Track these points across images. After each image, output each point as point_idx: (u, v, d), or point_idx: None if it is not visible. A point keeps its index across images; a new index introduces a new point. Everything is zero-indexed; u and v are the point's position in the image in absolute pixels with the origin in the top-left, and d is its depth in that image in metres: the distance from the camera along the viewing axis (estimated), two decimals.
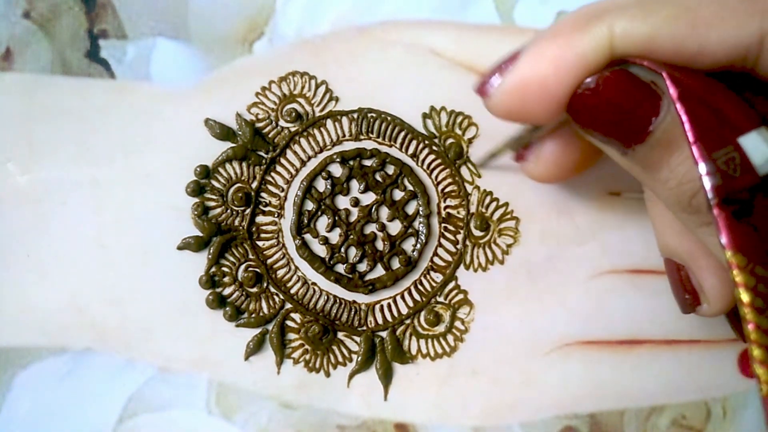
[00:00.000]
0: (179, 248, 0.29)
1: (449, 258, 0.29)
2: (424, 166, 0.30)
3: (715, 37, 0.18)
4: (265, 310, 0.29)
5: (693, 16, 0.18)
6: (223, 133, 0.29)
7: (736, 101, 0.18)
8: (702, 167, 0.17)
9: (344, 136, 0.30)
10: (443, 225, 0.29)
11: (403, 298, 0.29)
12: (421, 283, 0.29)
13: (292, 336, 0.29)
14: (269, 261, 0.29)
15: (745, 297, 0.17)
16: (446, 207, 0.29)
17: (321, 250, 0.29)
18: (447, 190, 0.29)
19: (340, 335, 0.29)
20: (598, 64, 0.20)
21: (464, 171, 0.30)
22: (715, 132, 0.17)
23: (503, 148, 0.27)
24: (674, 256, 0.24)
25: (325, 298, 0.29)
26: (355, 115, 0.29)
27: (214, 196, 0.29)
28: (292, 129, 0.29)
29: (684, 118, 0.17)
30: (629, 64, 0.19)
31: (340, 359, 0.29)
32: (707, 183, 0.17)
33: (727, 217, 0.17)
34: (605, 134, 0.20)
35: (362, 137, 0.29)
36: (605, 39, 0.19)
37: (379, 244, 0.29)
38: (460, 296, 0.29)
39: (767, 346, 0.17)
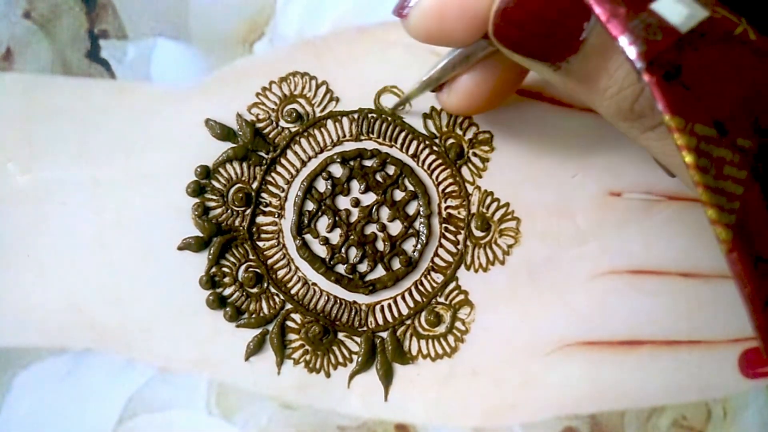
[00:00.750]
0: (179, 248, 0.29)
1: (450, 258, 0.29)
2: (425, 167, 0.30)
3: None
4: (266, 310, 0.29)
5: None
6: (224, 133, 0.29)
7: None
8: (621, 39, 0.17)
9: (345, 136, 0.29)
10: (444, 225, 0.29)
11: (403, 298, 0.29)
12: (422, 284, 0.29)
13: (292, 336, 0.29)
14: (270, 261, 0.29)
15: (688, 158, 0.16)
16: (447, 207, 0.29)
17: (321, 251, 0.29)
18: (448, 190, 0.29)
19: (341, 336, 0.29)
20: None
21: (465, 171, 0.29)
22: (627, 3, 0.17)
23: (418, 90, 0.27)
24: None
25: (326, 298, 0.29)
26: (356, 116, 0.29)
27: (214, 197, 0.29)
28: (293, 129, 0.29)
29: (593, 4, 0.17)
30: None
31: (341, 360, 0.29)
32: (631, 53, 0.17)
33: (658, 80, 0.17)
34: (535, 51, 0.20)
35: (363, 137, 0.29)
36: None
37: (380, 245, 0.29)
38: (461, 297, 0.29)
39: (718, 204, 0.17)
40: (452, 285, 0.29)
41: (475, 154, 0.30)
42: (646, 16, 0.17)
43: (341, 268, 0.29)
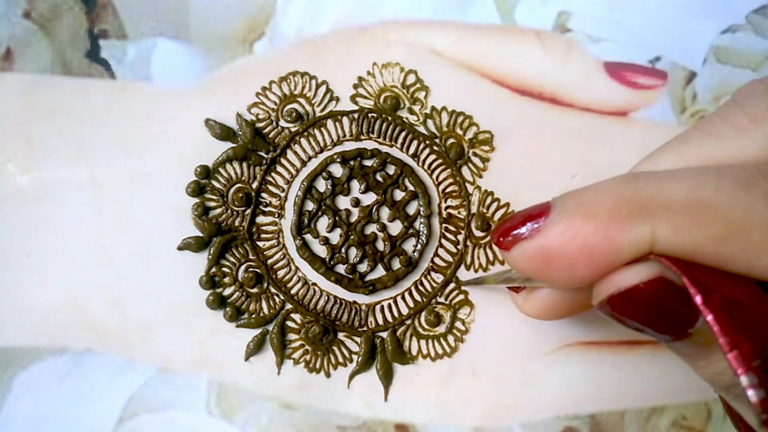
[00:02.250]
0: (179, 248, 0.29)
1: (450, 258, 0.29)
2: (425, 167, 0.29)
3: (765, 264, 0.17)
4: (266, 310, 0.29)
5: (743, 240, 0.17)
6: (224, 133, 0.29)
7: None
8: (743, 380, 0.16)
9: (345, 136, 0.29)
10: (444, 225, 0.29)
11: (403, 298, 0.29)
12: (422, 284, 0.29)
13: (292, 336, 0.29)
14: (269, 261, 0.29)
15: None
16: (447, 207, 0.29)
17: (321, 251, 0.29)
18: (448, 190, 0.29)
19: (341, 336, 0.29)
20: (631, 259, 0.18)
21: (465, 171, 0.29)
22: (753, 337, 0.16)
23: (496, 281, 0.26)
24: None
25: (326, 298, 0.29)
26: (356, 115, 0.29)
27: (214, 197, 0.29)
28: (293, 129, 0.29)
29: (714, 327, 0.16)
30: (657, 262, 0.18)
31: (341, 360, 0.29)
32: (752, 397, 0.16)
33: None
34: (636, 328, 0.19)
35: (363, 137, 0.29)
36: (646, 242, 0.18)
37: (380, 245, 0.29)
38: (461, 297, 0.29)
39: None
40: (452, 285, 0.29)
41: (475, 154, 0.30)
42: None
43: (341, 268, 0.29)
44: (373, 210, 0.29)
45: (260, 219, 0.29)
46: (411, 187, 0.29)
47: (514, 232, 0.20)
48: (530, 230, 0.20)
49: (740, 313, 0.17)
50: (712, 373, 0.19)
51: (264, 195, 0.29)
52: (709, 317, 0.16)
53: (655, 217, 0.18)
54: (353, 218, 0.29)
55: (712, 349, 0.18)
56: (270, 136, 0.29)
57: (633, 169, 0.22)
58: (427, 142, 0.29)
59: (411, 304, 0.29)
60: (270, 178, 0.29)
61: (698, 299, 0.17)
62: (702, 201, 0.18)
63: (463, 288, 0.29)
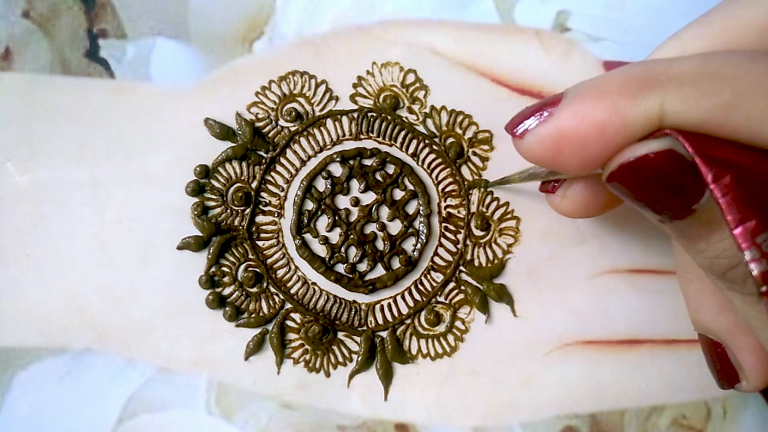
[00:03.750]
0: (179, 248, 0.29)
1: (450, 258, 0.29)
2: (425, 166, 0.29)
3: None
4: (265, 310, 0.29)
5: (750, 106, 0.17)
6: (223, 132, 0.29)
7: None
8: (747, 254, 0.16)
9: (344, 135, 0.29)
10: (444, 224, 0.29)
11: (403, 297, 0.29)
12: (422, 283, 0.29)
13: (292, 336, 0.29)
14: (269, 261, 0.29)
15: None
16: (447, 206, 0.29)
17: (321, 250, 0.29)
18: (447, 189, 0.29)
19: (340, 335, 0.29)
20: (642, 134, 0.19)
21: (465, 170, 0.29)
22: (760, 213, 0.16)
23: (521, 179, 0.26)
24: (711, 333, 0.24)
25: (325, 298, 0.29)
26: (355, 115, 0.29)
27: (213, 196, 0.29)
28: (292, 128, 0.29)
29: (722, 203, 0.17)
30: (669, 136, 0.18)
31: (340, 359, 0.29)
32: (754, 270, 0.16)
33: None
34: (644, 204, 0.19)
35: (362, 137, 0.29)
36: (655, 115, 0.18)
37: (380, 244, 0.29)
38: (461, 296, 0.29)
39: None
40: (452, 284, 0.29)
41: (474, 153, 0.30)
42: None
43: (341, 268, 0.29)
44: (373, 209, 0.29)
45: (260, 218, 0.29)
46: (410, 187, 0.29)
47: (528, 121, 0.21)
48: (541, 117, 0.20)
49: (748, 189, 0.17)
50: (710, 257, 0.19)
51: (263, 194, 0.29)
52: (717, 193, 0.17)
53: (663, 89, 0.18)
54: (353, 217, 0.29)
55: (713, 228, 0.18)
56: (269, 135, 0.29)
57: (665, 42, 0.22)
58: (427, 141, 0.29)
59: (411, 304, 0.29)
60: (269, 178, 0.29)
61: (707, 174, 0.17)
62: (710, 71, 0.18)
63: (489, 189, 0.29)
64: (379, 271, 0.29)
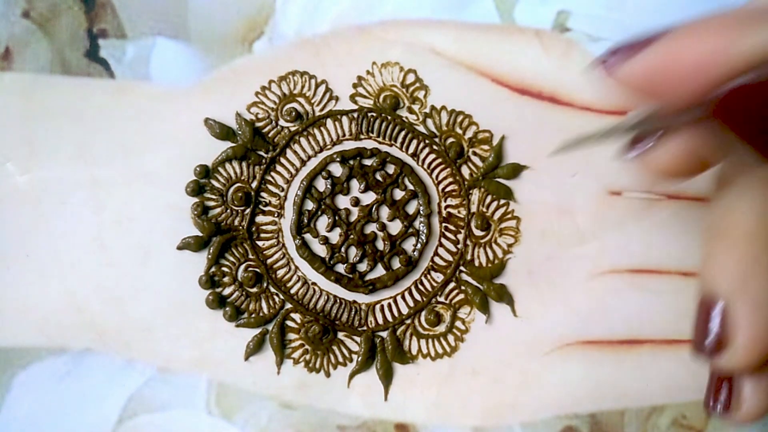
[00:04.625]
0: (179, 248, 0.29)
1: (450, 258, 0.29)
2: (425, 166, 0.29)
3: None
4: (265, 310, 0.29)
5: None
6: (223, 132, 0.29)
7: None
8: None
9: (344, 135, 0.29)
10: (444, 224, 0.29)
11: (403, 297, 0.29)
12: (422, 283, 0.29)
13: (292, 336, 0.29)
14: (269, 261, 0.29)
15: None
16: (447, 206, 0.29)
17: (321, 250, 0.29)
18: (447, 189, 0.29)
19: (341, 335, 0.29)
20: (754, 66, 0.17)
21: (465, 170, 0.29)
22: None
23: (594, 139, 0.22)
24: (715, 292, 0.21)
25: (326, 298, 0.29)
26: (355, 115, 0.29)
27: (213, 196, 0.29)
28: (292, 128, 0.29)
29: None
30: None
31: (341, 359, 0.29)
32: None
33: None
34: (753, 140, 0.18)
35: (362, 136, 0.29)
36: (764, 49, 0.17)
37: (380, 244, 0.29)
38: (461, 296, 0.29)
39: None
40: (452, 284, 0.29)
41: (475, 153, 0.30)
42: None
43: (341, 268, 0.29)
44: (373, 209, 0.29)
45: (260, 218, 0.29)
46: (411, 187, 0.29)
47: (627, 48, 0.19)
48: (637, 48, 0.19)
49: None
50: None
51: (263, 194, 0.29)
52: None
53: None
54: (353, 217, 0.29)
55: None
56: (269, 135, 0.29)
57: None
58: (427, 141, 0.29)
59: (411, 304, 0.29)
60: (269, 178, 0.29)
61: None
62: None
63: (558, 153, 0.24)
64: (379, 271, 0.29)
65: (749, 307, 0.20)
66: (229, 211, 0.29)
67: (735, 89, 0.18)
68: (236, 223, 0.29)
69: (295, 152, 0.29)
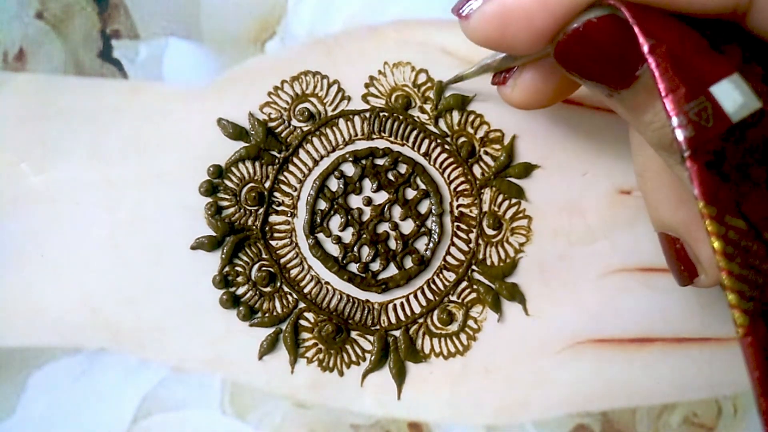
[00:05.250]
0: (192, 248, 0.29)
1: (462, 257, 0.29)
2: (437, 165, 0.30)
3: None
4: (279, 309, 0.29)
5: None
6: (236, 132, 0.29)
7: (711, 51, 0.18)
8: (674, 120, 0.17)
9: (356, 135, 0.30)
10: (456, 224, 0.29)
11: (416, 297, 0.29)
12: (434, 282, 0.29)
13: (305, 335, 0.29)
14: (282, 260, 0.29)
15: (716, 245, 0.17)
16: (459, 206, 0.30)
17: (334, 250, 0.29)
18: (459, 188, 0.30)
19: (354, 334, 0.29)
20: (586, 5, 0.19)
21: (476, 169, 0.30)
22: (688, 83, 0.17)
23: (474, 72, 0.26)
24: (669, 229, 0.24)
25: (338, 297, 0.29)
26: (368, 114, 0.29)
27: (227, 196, 0.29)
28: (305, 128, 0.29)
29: (656, 72, 0.18)
30: (611, 6, 0.19)
31: (354, 358, 0.29)
32: (679, 135, 0.17)
33: (699, 168, 0.17)
34: (592, 76, 0.20)
35: (374, 136, 0.30)
36: None
37: (392, 243, 0.29)
38: (473, 295, 0.29)
39: (739, 291, 0.17)
40: (464, 283, 0.29)
41: (486, 153, 0.30)
42: (702, 100, 0.17)
43: (354, 267, 0.29)
44: (385, 209, 0.29)
45: (273, 218, 0.29)
46: (422, 186, 0.29)
47: (472, 1, 0.21)
48: None
49: (678, 60, 0.18)
50: (657, 128, 0.19)
51: (276, 194, 0.29)
52: (653, 61, 0.18)
53: None
54: (365, 217, 0.29)
55: (656, 94, 0.19)
56: (282, 135, 0.29)
57: None
58: (439, 140, 0.30)
59: (423, 303, 0.29)
60: (282, 178, 0.29)
61: (644, 43, 0.18)
62: None
63: (445, 86, 0.29)
64: (392, 270, 0.29)
65: (698, 237, 0.23)
66: (242, 210, 0.29)
67: (569, 34, 0.19)
68: (249, 222, 0.29)
69: (307, 152, 0.30)
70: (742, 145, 0.18)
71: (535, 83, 0.24)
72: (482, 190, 0.30)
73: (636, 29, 0.18)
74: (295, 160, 0.29)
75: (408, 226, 0.29)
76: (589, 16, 0.19)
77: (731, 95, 0.17)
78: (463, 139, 0.30)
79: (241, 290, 0.29)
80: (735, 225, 0.17)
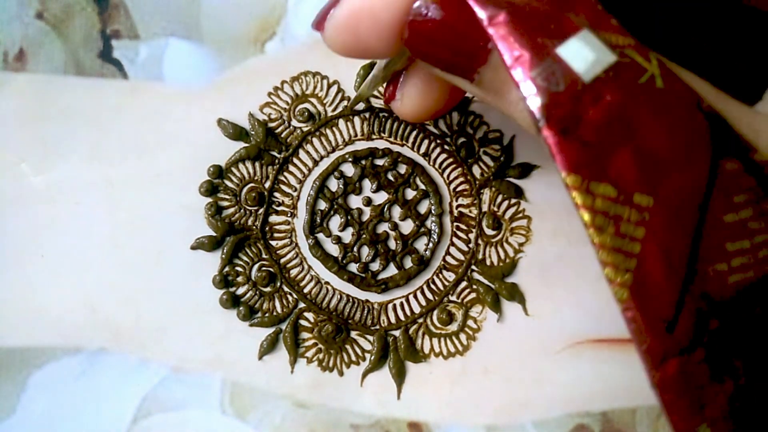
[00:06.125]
0: (193, 248, 0.29)
1: (462, 257, 0.29)
2: (436, 165, 0.30)
3: None
4: (279, 309, 0.29)
5: None
6: (236, 133, 0.29)
7: (557, 12, 0.17)
8: (522, 89, 0.16)
9: (356, 135, 0.30)
10: (455, 224, 0.29)
11: (415, 297, 0.29)
12: (434, 282, 0.29)
13: (305, 335, 0.29)
14: (282, 260, 0.29)
15: (585, 217, 0.16)
16: (458, 206, 0.30)
17: (334, 250, 0.29)
18: (459, 189, 0.30)
19: (354, 334, 0.29)
20: None
21: (476, 170, 0.30)
22: (532, 48, 0.16)
23: (364, 90, 0.26)
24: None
25: (338, 297, 0.29)
26: (367, 115, 0.30)
27: (227, 196, 0.29)
28: (305, 129, 0.29)
29: (498, 43, 0.16)
30: None
31: (354, 358, 0.29)
32: (531, 105, 0.16)
33: (555, 135, 0.16)
34: (447, 63, 0.19)
35: (374, 136, 0.30)
36: None
37: (392, 243, 0.29)
38: (473, 295, 0.29)
39: (614, 264, 0.16)
40: (464, 283, 0.29)
41: (485, 153, 0.30)
42: (550, 62, 0.16)
43: (353, 267, 0.29)
44: (385, 209, 0.29)
45: (273, 218, 0.29)
46: (422, 186, 0.29)
47: (324, 9, 0.21)
48: (335, 2, 0.20)
49: (521, 25, 0.16)
50: (523, 109, 0.18)
51: (276, 194, 0.29)
52: (493, 32, 0.16)
53: None
54: (365, 217, 0.29)
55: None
56: (282, 135, 0.29)
57: None
58: (438, 141, 0.30)
59: (423, 303, 0.29)
60: (282, 178, 0.29)
61: (483, 15, 0.17)
62: None
63: (350, 109, 0.29)
64: (392, 270, 0.29)
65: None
66: (242, 211, 0.29)
67: (411, 20, 0.19)
68: (250, 223, 0.29)
69: (307, 152, 0.30)
70: (600, 104, 0.16)
71: (420, 90, 0.24)
72: (482, 191, 0.30)
73: (470, 1, 0.17)
74: (295, 160, 0.30)
75: (408, 226, 0.29)
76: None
77: (581, 53, 0.16)
78: (462, 139, 0.30)
79: (241, 290, 0.29)
80: (603, 193, 0.16)
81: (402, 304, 0.29)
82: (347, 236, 0.29)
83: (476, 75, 0.19)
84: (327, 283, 0.29)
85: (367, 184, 0.29)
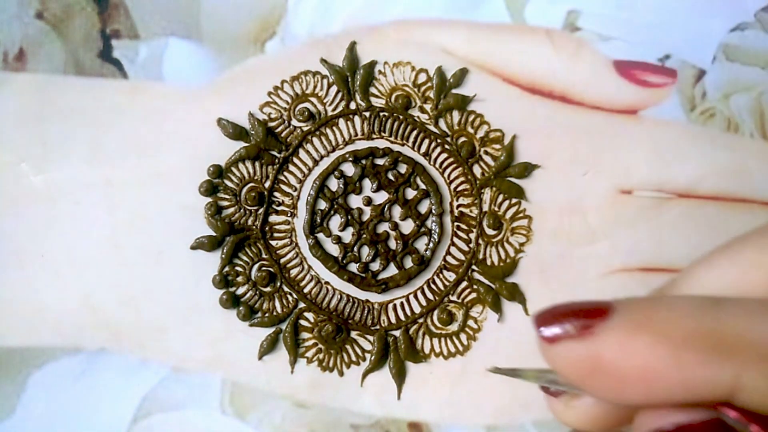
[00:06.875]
0: (193, 248, 0.29)
1: (462, 257, 0.29)
2: (437, 165, 0.30)
3: None
4: (279, 309, 0.29)
5: None
6: (236, 132, 0.29)
7: None
8: None
9: (356, 135, 0.30)
10: (456, 224, 0.29)
11: (416, 297, 0.29)
12: (434, 282, 0.29)
13: (305, 335, 0.29)
14: (282, 260, 0.29)
15: None
16: (459, 206, 0.29)
17: (334, 250, 0.29)
18: (459, 188, 0.30)
19: (354, 334, 0.29)
20: (701, 402, 0.15)
21: (476, 169, 0.30)
22: None
23: (535, 378, 0.22)
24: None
25: (338, 297, 0.29)
26: (367, 114, 0.29)
27: (227, 196, 0.29)
28: (305, 128, 0.29)
29: None
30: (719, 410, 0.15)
31: (354, 358, 0.29)
32: None
33: None
34: None
35: (374, 136, 0.30)
36: (726, 387, 0.15)
37: (392, 243, 0.29)
38: (473, 295, 0.29)
39: None
40: (464, 283, 0.29)
41: (486, 152, 0.30)
42: None
43: (354, 267, 0.29)
44: (385, 209, 0.29)
45: (273, 218, 0.29)
46: (423, 186, 0.29)
47: (562, 326, 0.17)
48: (580, 328, 0.17)
49: None
50: None
51: (276, 194, 0.29)
52: None
53: (741, 357, 0.15)
54: (365, 217, 0.29)
55: None
56: (282, 135, 0.29)
57: (696, 265, 0.18)
58: (439, 140, 0.30)
59: (423, 303, 0.29)
60: (282, 178, 0.29)
61: None
62: None
63: (496, 371, 0.24)
64: (392, 270, 0.29)
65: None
66: (242, 210, 0.29)
67: (680, 427, 0.16)
68: (249, 222, 0.29)
69: (307, 152, 0.30)
70: None
71: (595, 412, 0.20)
72: (482, 190, 0.30)
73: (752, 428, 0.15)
74: (295, 160, 0.29)
75: (408, 226, 0.29)
76: (691, 417, 0.15)
77: None
78: (463, 138, 0.30)
79: (241, 290, 0.29)
80: None
81: (402, 304, 0.29)
82: (347, 236, 0.29)
83: None
84: (327, 283, 0.29)
85: (368, 184, 0.29)
